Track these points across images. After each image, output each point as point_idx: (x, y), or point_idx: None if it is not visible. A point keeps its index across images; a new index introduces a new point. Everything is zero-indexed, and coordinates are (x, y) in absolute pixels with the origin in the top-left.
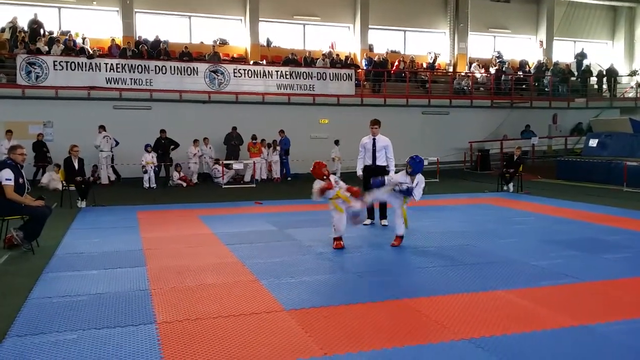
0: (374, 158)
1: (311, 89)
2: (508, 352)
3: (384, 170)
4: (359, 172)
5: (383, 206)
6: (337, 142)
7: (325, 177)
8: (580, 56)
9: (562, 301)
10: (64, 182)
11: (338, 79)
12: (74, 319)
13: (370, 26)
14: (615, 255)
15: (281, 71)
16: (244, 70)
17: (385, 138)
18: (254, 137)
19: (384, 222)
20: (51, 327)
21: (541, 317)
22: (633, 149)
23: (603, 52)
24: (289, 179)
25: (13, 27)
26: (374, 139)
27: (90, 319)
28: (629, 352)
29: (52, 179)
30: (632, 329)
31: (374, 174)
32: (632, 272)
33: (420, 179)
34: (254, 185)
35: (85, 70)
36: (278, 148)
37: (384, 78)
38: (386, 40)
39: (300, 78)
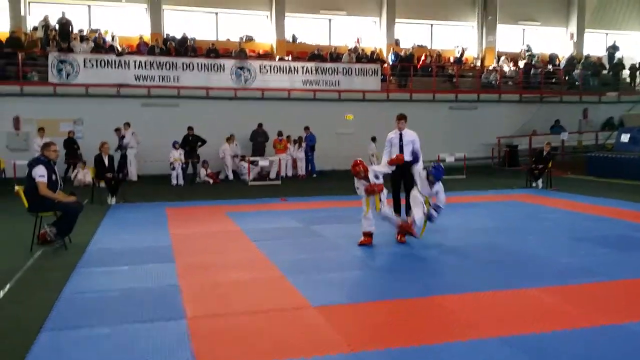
0: (401, 152)
1: (337, 84)
2: (538, 350)
3: (411, 166)
4: (384, 168)
5: (409, 203)
6: (374, 139)
7: (364, 176)
8: (612, 49)
9: (593, 299)
10: (94, 178)
11: (364, 74)
12: (107, 314)
13: (396, 20)
14: None
15: (307, 67)
16: (270, 66)
17: (412, 132)
18: (279, 134)
19: (410, 219)
20: (85, 322)
21: (572, 316)
22: None
23: (636, 44)
24: (314, 175)
25: (45, 25)
26: (400, 134)
27: (122, 313)
28: None
29: (77, 176)
30: None
31: (404, 169)
32: None
33: (440, 188)
34: (279, 182)
35: (115, 67)
36: (304, 144)
37: (411, 73)
38: (413, 34)
39: (325, 74)
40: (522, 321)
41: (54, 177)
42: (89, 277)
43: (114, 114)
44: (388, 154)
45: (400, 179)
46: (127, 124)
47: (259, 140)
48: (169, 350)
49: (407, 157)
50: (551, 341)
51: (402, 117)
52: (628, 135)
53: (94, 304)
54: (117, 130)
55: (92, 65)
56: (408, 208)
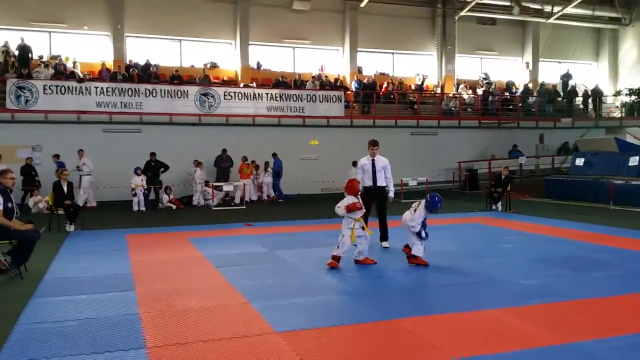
0: (375, 179)
1: (301, 110)
2: None
3: (384, 191)
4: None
5: (384, 228)
6: (355, 164)
7: (358, 195)
8: (566, 77)
9: (552, 319)
10: (52, 205)
11: (328, 101)
12: (63, 345)
13: (359, 49)
14: (603, 273)
15: (271, 93)
16: (234, 92)
17: (384, 158)
18: (244, 159)
19: (385, 244)
20: (40, 353)
21: (531, 336)
22: (619, 167)
23: (588, 73)
24: (281, 200)
25: (5, 51)
26: (373, 160)
27: (79, 344)
28: None
29: (35, 203)
30: (621, 346)
31: (376, 195)
32: (620, 289)
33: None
34: (244, 207)
35: (76, 94)
36: (270, 170)
37: (373, 99)
38: (375, 63)
39: (290, 100)
40: (483, 342)
41: (9, 204)
42: (45, 307)
43: (74, 140)
44: (362, 180)
45: (371, 203)
46: (81, 150)
47: (223, 166)
48: None
49: (381, 182)
50: None
51: (375, 144)
52: (582, 160)
53: (50, 335)
54: (55, 156)
55: (52, 92)
56: (383, 232)
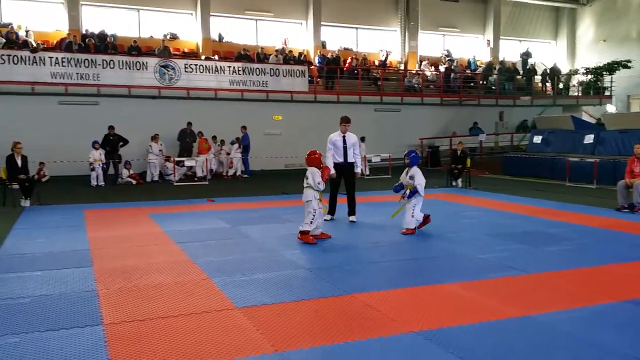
0: (345, 155)
1: (264, 85)
2: (456, 343)
3: (353, 167)
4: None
5: (352, 203)
6: (363, 139)
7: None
8: (526, 55)
9: (508, 293)
10: (6, 179)
11: (291, 76)
12: (16, 322)
13: (322, 23)
14: (558, 247)
15: (234, 67)
16: (196, 65)
17: (354, 135)
18: (200, 134)
19: (352, 218)
20: None
21: (488, 309)
22: (575, 145)
23: (547, 51)
24: (245, 176)
25: None
26: (344, 136)
27: (33, 321)
28: (572, 339)
29: None
30: (574, 317)
31: (346, 171)
32: (573, 263)
33: (415, 171)
34: (207, 183)
35: (29, 64)
36: (241, 145)
37: (337, 75)
38: (339, 38)
39: (253, 74)
40: (442, 315)
41: None
42: None
43: (28, 112)
44: (332, 156)
45: (340, 179)
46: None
47: (186, 141)
48: (82, 358)
49: (351, 158)
50: (469, 333)
51: (347, 120)
52: (540, 137)
53: (3, 312)
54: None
55: (4, 62)
56: (351, 207)
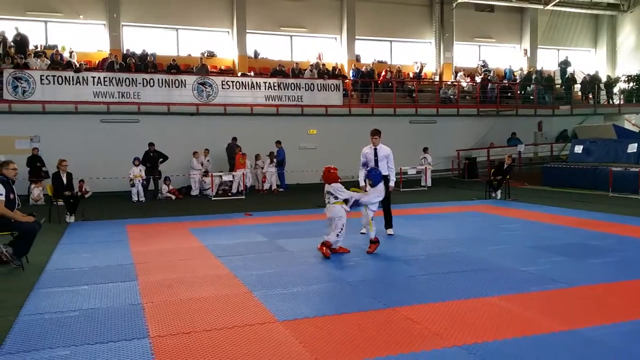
0: (377, 167)
1: (299, 99)
2: (499, 357)
3: (386, 180)
4: (362, 182)
5: (389, 215)
6: (426, 150)
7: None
8: (564, 64)
9: (552, 306)
10: (52, 196)
11: (326, 90)
12: (67, 335)
13: (356, 37)
14: (602, 259)
15: (269, 82)
16: (232, 82)
17: (387, 147)
18: (239, 149)
19: (390, 231)
20: (44, 344)
21: (531, 323)
22: (617, 154)
23: (586, 60)
24: (281, 190)
25: (2, 41)
26: (375, 149)
27: (82, 334)
28: (618, 354)
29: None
30: (620, 332)
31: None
32: (619, 276)
33: (377, 189)
34: (244, 197)
35: (73, 84)
36: (275, 160)
37: (372, 88)
38: (373, 51)
39: (288, 89)
40: (484, 329)
41: (11, 195)
42: (47, 298)
43: (72, 130)
44: (364, 168)
45: None
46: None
47: (232, 155)
48: None
49: (384, 171)
50: (512, 348)
51: (376, 133)
52: (581, 147)
53: (53, 325)
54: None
55: (49, 82)
56: (388, 220)
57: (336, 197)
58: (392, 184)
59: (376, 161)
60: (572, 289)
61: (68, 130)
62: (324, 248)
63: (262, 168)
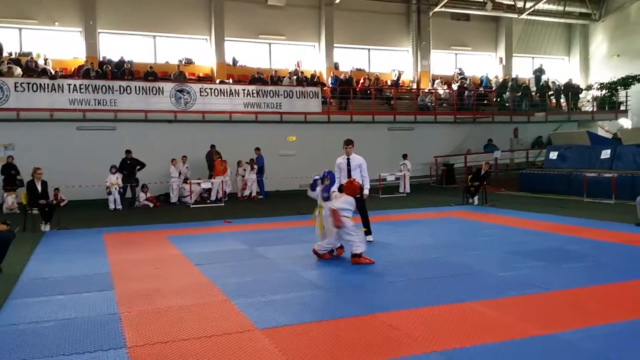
0: (350, 176)
1: (278, 107)
2: None
3: (361, 188)
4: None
5: (366, 222)
6: (405, 156)
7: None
8: (539, 72)
9: (530, 311)
10: (27, 205)
11: (305, 97)
12: (41, 346)
13: (335, 45)
14: (578, 264)
15: (248, 90)
16: (210, 89)
17: (360, 157)
18: (218, 156)
19: (369, 237)
20: (17, 355)
21: (509, 327)
22: (591, 160)
23: (560, 68)
24: (261, 197)
25: None
26: (348, 159)
27: (58, 345)
28: (594, 357)
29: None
30: (596, 335)
31: None
32: (594, 280)
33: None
34: (223, 204)
35: (48, 91)
36: (255, 167)
37: (350, 95)
38: (351, 59)
39: (267, 96)
40: (463, 334)
41: None
42: (22, 308)
43: (48, 138)
44: (338, 178)
45: None
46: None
47: (211, 162)
48: None
49: (358, 180)
50: (491, 353)
51: (349, 143)
52: (556, 153)
53: (27, 336)
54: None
55: (24, 89)
56: (365, 227)
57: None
58: (366, 192)
59: (349, 170)
60: (550, 293)
61: (43, 138)
62: (360, 259)
63: (244, 176)
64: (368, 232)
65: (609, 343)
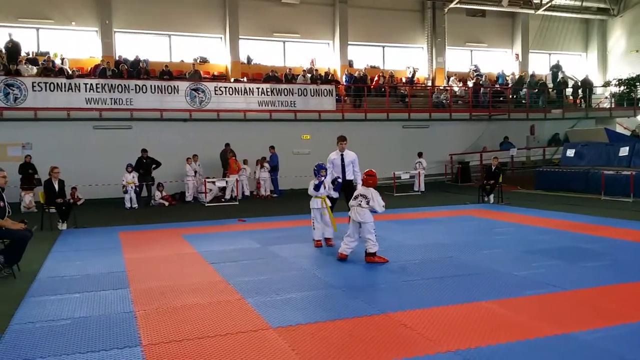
0: (344, 172)
1: (292, 105)
2: None
3: (352, 183)
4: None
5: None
6: (420, 154)
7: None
8: (556, 68)
9: (545, 310)
10: (44, 204)
11: (319, 95)
12: (58, 344)
13: (349, 42)
14: (595, 263)
15: (262, 88)
16: (225, 87)
17: (352, 153)
18: (232, 154)
19: None
20: (34, 353)
21: (525, 327)
22: (609, 158)
23: (577, 64)
24: (275, 195)
25: None
26: (342, 155)
27: (74, 343)
28: (611, 358)
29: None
30: (614, 335)
31: (346, 187)
32: (612, 279)
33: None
34: (237, 203)
35: (65, 90)
36: (267, 165)
37: (364, 93)
38: (365, 56)
39: (281, 94)
40: (478, 334)
41: (1, 203)
42: (39, 306)
43: (64, 137)
44: (331, 174)
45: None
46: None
47: (223, 160)
48: None
49: (349, 175)
50: (506, 352)
51: (343, 139)
52: (573, 151)
53: (44, 334)
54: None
55: (41, 89)
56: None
57: (368, 202)
58: (358, 187)
59: (343, 166)
60: (566, 293)
61: (60, 137)
62: (375, 258)
63: (261, 174)
64: None
65: (627, 343)
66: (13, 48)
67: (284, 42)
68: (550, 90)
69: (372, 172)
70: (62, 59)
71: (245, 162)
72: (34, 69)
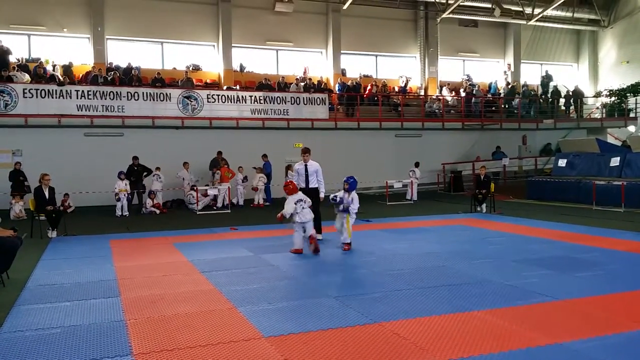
0: (307, 181)
1: (285, 113)
2: None
3: (316, 191)
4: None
5: (317, 221)
6: (417, 165)
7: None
8: (546, 78)
9: (537, 320)
10: (34, 211)
11: (312, 103)
12: (48, 353)
13: (342, 51)
14: (587, 273)
15: (255, 96)
16: (218, 95)
17: (316, 163)
18: (224, 162)
19: (319, 236)
20: None
21: (517, 336)
22: (600, 168)
23: (569, 74)
24: (267, 204)
25: None
26: (305, 165)
27: (64, 352)
28: None
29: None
30: (605, 345)
31: (309, 195)
32: (603, 289)
33: (354, 196)
34: (229, 211)
35: (56, 97)
36: (263, 176)
37: (357, 102)
38: (358, 65)
39: (274, 103)
40: (470, 343)
41: None
42: (28, 315)
43: (55, 144)
44: (297, 182)
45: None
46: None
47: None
48: None
49: (312, 184)
50: None
51: (306, 151)
52: (565, 161)
53: (34, 343)
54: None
55: (32, 95)
56: (318, 225)
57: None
58: (322, 195)
59: (307, 175)
60: (558, 303)
61: (51, 144)
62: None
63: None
64: (319, 231)
65: (618, 353)
66: (4, 55)
67: (277, 50)
68: (541, 100)
69: (287, 182)
70: (54, 66)
71: (240, 169)
72: (26, 76)
